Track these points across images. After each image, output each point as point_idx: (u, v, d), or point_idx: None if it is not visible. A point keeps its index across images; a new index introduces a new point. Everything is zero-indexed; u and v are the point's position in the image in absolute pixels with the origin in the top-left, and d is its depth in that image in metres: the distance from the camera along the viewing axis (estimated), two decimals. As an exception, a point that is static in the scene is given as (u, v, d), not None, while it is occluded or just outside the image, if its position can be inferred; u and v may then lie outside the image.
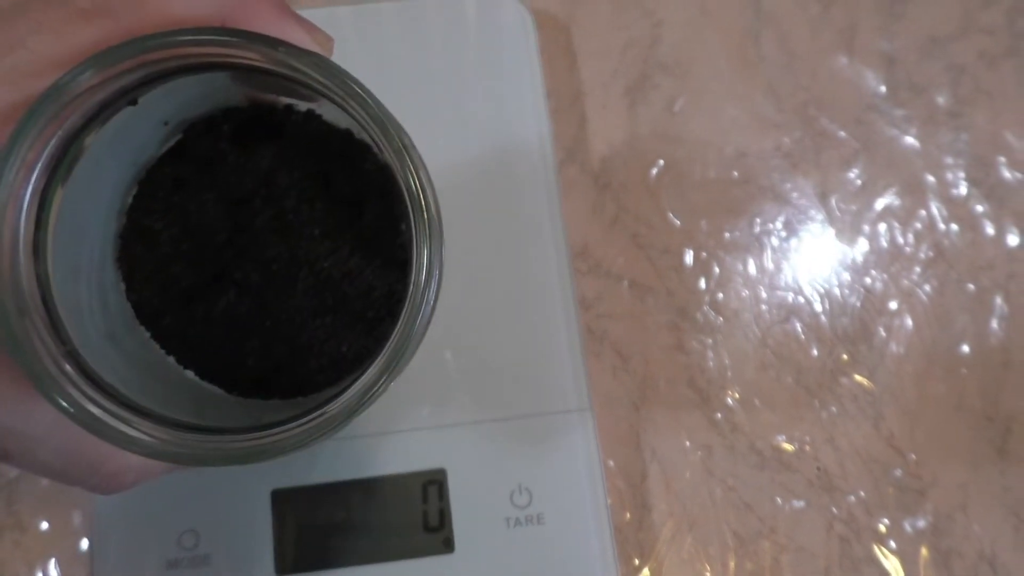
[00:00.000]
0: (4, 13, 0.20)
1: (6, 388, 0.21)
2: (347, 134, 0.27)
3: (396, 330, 0.21)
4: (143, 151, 0.26)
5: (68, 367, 0.21)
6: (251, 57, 0.21)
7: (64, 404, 0.20)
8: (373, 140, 0.22)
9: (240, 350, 0.25)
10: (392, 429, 0.36)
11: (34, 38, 0.20)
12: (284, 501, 0.35)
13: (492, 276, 0.39)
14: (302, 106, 0.27)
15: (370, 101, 0.21)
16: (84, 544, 0.36)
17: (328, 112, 0.27)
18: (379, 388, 0.21)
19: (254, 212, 0.25)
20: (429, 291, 0.21)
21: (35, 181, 0.21)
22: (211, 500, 0.35)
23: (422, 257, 0.21)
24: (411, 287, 0.21)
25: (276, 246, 0.25)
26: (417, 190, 0.21)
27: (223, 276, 0.25)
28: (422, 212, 0.21)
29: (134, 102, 0.23)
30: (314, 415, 0.21)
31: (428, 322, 0.22)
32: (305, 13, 0.43)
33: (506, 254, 0.39)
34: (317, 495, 0.35)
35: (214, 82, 0.25)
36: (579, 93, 0.44)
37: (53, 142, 0.21)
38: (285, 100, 0.27)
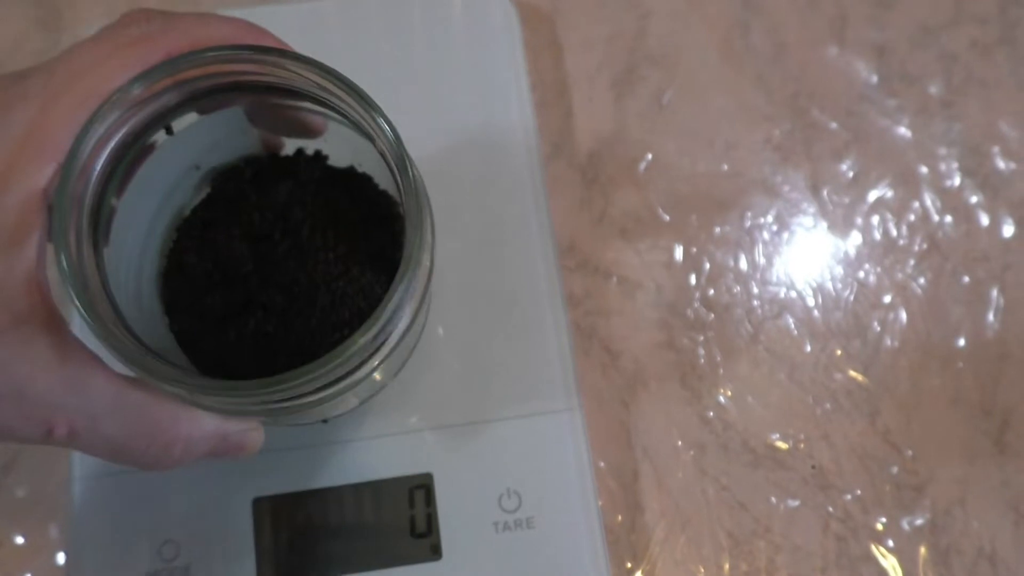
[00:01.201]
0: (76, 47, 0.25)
1: (69, 370, 0.23)
2: (350, 170, 0.32)
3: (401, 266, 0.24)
4: (179, 191, 0.31)
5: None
6: (266, 70, 0.25)
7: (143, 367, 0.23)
8: (368, 134, 0.26)
9: (269, 364, 0.27)
10: (377, 433, 0.35)
11: (96, 68, 0.24)
12: (266, 509, 0.34)
13: (478, 275, 0.38)
14: (310, 149, 0.31)
15: (358, 91, 0.25)
16: (60, 558, 0.35)
17: (333, 152, 0.31)
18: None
19: (275, 244, 0.29)
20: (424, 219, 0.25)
21: (96, 177, 0.24)
22: (191, 509, 0.34)
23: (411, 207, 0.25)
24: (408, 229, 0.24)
25: (295, 271, 0.29)
26: (398, 153, 0.25)
27: (251, 301, 0.29)
28: (405, 168, 0.25)
29: (169, 130, 0.27)
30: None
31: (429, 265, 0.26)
32: (290, 7, 0.42)
33: (492, 252, 0.38)
34: (300, 502, 0.34)
35: (236, 124, 0.30)
36: (565, 86, 0.44)
37: (111, 147, 0.24)
38: (297, 143, 0.31)
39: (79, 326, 0.24)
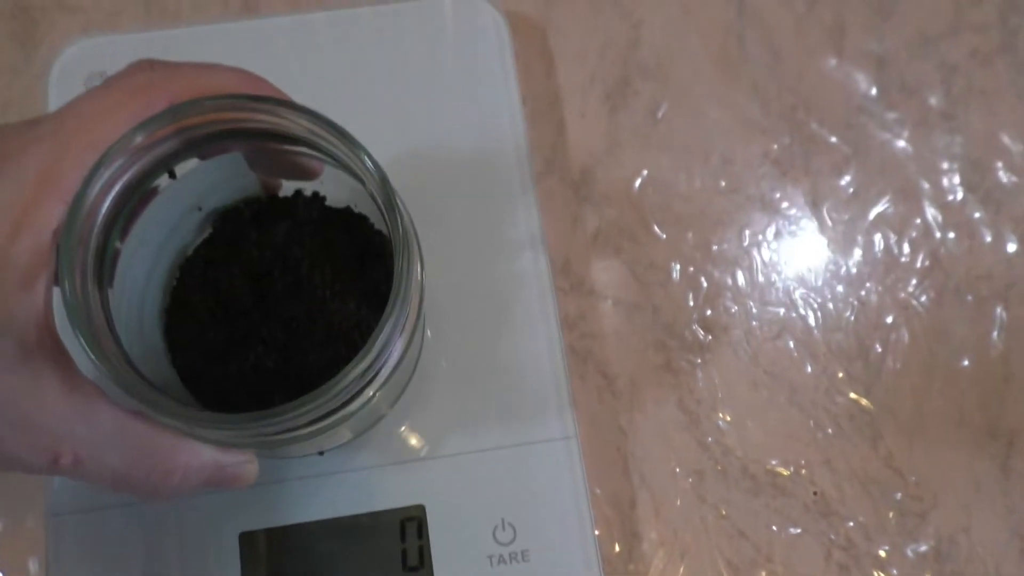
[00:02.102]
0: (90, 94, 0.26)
1: (75, 402, 0.24)
2: (347, 210, 0.33)
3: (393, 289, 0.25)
4: (181, 231, 0.32)
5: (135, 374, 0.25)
6: (262, 118, 0.26)
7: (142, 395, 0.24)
8: (355, 173, 0.27)
9: (268, 398, 0.29)
10: (367, 464, 0.34)
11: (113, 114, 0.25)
12: (253, 544, 0.33)
13: (469, 298, 0.37)
14: (308, 190, 0.33)
15: (347, 136, 0.26)
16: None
17: (330, 193, 0.33)
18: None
19: (274, 281, 0.30)
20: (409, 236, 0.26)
21: (103, 214, 0.25)
22: (175, 544, 0.33)
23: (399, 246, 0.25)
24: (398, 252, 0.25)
25: (294, 308, 0.30)
26: (385, 194, 0.25)
27: (250, 337, 0.30)
28: (392, 208, 0.25)
29: (172, 174, 0.28)
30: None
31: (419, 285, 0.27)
32: (281, 19, 0.41)
33: (483, 274, 0.37)
34: (288, 536, 0.33)
35: (236, 168, 0.31)
36: (556, 99, 0.42)
37: (116, 189, 0.25)
38: (295, 185, 0.32)
39: (82, 361, 0.24)
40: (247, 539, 0.33)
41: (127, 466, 0.25)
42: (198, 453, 0.27)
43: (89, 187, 0.24)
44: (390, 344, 0.25)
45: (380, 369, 0.26)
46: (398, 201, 0.26)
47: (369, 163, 0.26)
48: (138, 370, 0.26)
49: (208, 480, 0.27)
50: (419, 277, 0.28)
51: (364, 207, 0.33)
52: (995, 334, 0.39)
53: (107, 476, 0.25)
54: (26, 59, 0.42)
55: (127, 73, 0.27)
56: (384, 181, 0.26)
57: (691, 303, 0.39)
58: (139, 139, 0.25)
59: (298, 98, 0.27)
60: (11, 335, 0.23)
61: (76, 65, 0.40)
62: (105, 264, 0.26)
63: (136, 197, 0.27)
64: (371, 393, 0.27)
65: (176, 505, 0.33)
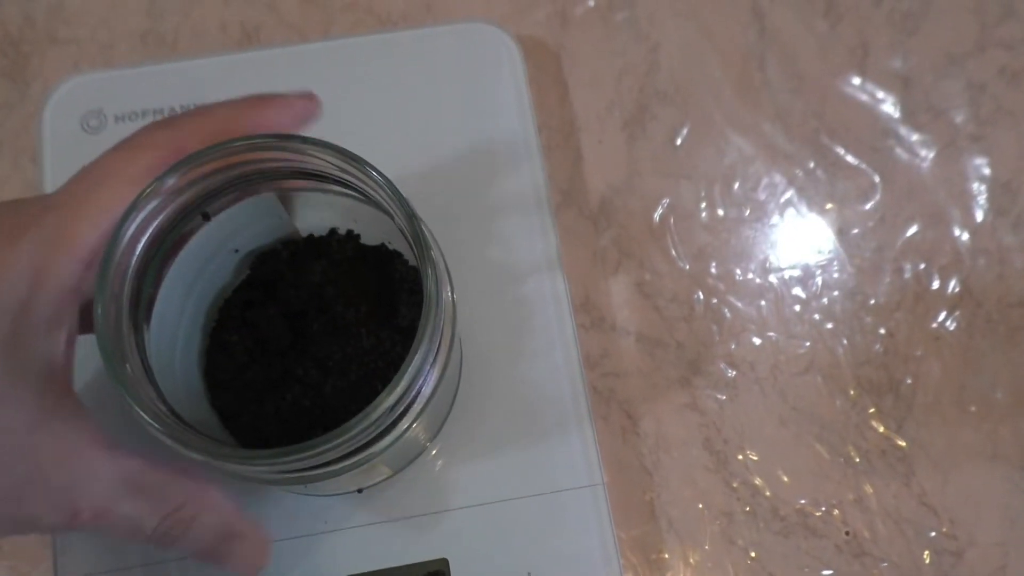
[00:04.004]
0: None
1: (93, 456, 0.25)
2: (381, 247, 0.33)
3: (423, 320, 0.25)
4: (218, 273, 0.32)
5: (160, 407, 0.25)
6: (289, 157, 0.26)
7: (151, 422, 0.24)
8: (382, 207, 0.27)
9: (306, 436, 0.28)
10: (388, 518, 0.33)
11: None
12: (271, 605, 0.32)
13: (488, 338, 0.36)
14: (343, 228, 0.33)
15: (374, 171, 0.26)
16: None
17: (364, 231, 0.33)
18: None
19: (310, 320, 0.31)
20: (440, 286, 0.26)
21: (136, 259, 0.26)
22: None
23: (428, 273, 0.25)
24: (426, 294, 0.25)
25: (330, 346, 0.30)
26: (414, 230, 0.25)
27: (288, 376, 0.30)
28: (420, 241, 0.25)
29: (207, 216, 0.29)
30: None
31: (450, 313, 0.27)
32: (283, 50, 0.39)
33: (502, 313, 0.36)
34: (309, 596, 0.32)
35: (269, 208, 0.31)
36: (573, 127, 0.41)
37: (149, 233, 0.26)
38: (330, 223, 0.33)
39: (114, 403, 0.24)
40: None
41: (144, 514, 0.26)
42: (216, 504, 0.27)
43: (122, 231, 0.25)
44: (421, 374, 0.25)
45: (413, 401, 0.26)
46: (424, 228, 0.26)
47: (398, 201, 0.26)
48: (175, 411, 0.26)
49: (223, 537, 0.27)
50: (451, 305, 0.28)
51: (398, 244, 0.33)
52: (1029, 365, 0.38)
53: (124, 526, 0.25)
54: (19, 96, 0.41)
55: (139, 133, 0.27)
56: (412, 217, 0.26)
57: (716, 337, 0.38)
58: (169, 183, 0.25)
59: (305, 130, 0.27)
60: (33, 385, 0.24)
61: (71, 103, 0.39)
62: (140, 306, 0.27)
63: (170, 241, 0.28)
64: (405, 426, 0.26)
65: (189, 570, 0.33)
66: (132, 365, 0.25)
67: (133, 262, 0.26)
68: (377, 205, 0.27)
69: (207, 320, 0.33)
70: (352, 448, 0.25)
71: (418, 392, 0.26)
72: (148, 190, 0.25)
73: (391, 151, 0.38)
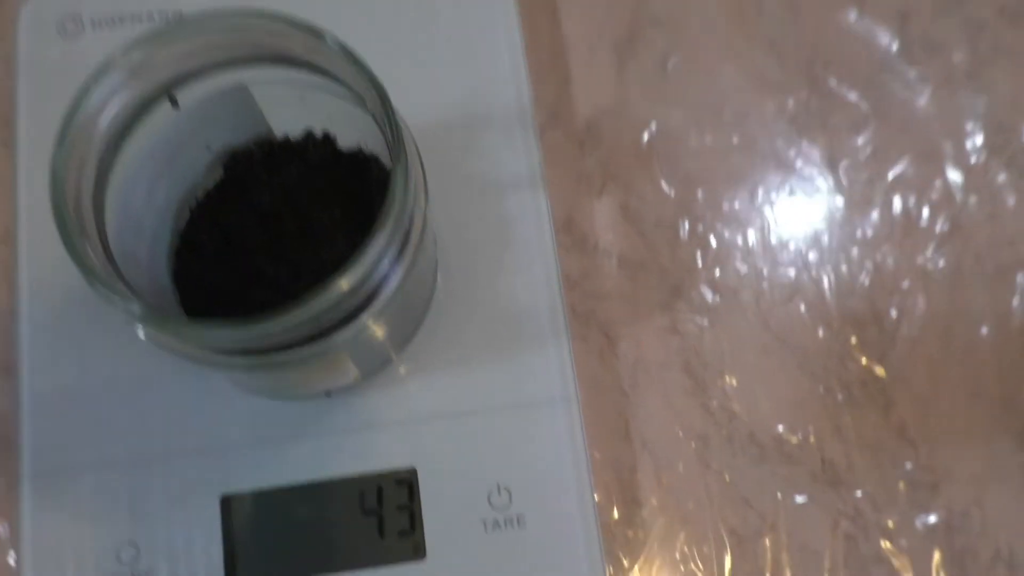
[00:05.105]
0: None
1: None
2: (357, 151, 0.32)
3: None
4: (190, 171, 0.32)
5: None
6: (262, 36, 0.26)
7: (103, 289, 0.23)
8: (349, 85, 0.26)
9: None
10: (357, 425, 0.33)
11: None
12: (235, 508, 0.32)
13: (466, 252, 0.35)
14: (319, 131, 0.32)
15: (334, 43, 0.25)
16: (11, 559, 0.33)
17: (341, 134, 0.32)
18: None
19: (283, 223, 0.30)
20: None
21: (98, 141, 0.25)
22: (153, 509, 0.31)
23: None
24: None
25: (303, 250, 0.30)
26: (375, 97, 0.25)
27: (260, 279, 0.30)
28: (382, 106, 0.25)
29: (174, 102, 0.28)
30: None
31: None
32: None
33: (482, 228, 0.36)
34: (272, 500, 0.32)
35: (243, 103, 0.30)
36: (562, 49, 0.40)
37: (113, 107, 0.26)
38: (304, 124, 0.32)
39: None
40: (229, 503, 0.32)
41: None
42: None
43: (87, 90, 0.24)
44: (383, 261, 0.25)
45: (375, 293, 0.25)
46: (394, 110, 0.26)
47: (355, 67, 0.25)
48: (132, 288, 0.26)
49: None
50: (423, 193, 0.27)
51: (375, 147, 0.32)
52: (1016, 302, 0.38)
53: None
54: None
55: None
56: (372, 79, 0.25)
57: (700, 263, 0.38)
58: (134, 56, 0.25)
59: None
60: None
61: (47, 6, 0.38)
62: (104, 188, 0.26)
63: (136, 122, 0.27)
64: (367, 320, 0.26)
65: (155, 467, 0.32)
66: (92, 245, 0.25)
67: (97, 133, 0.25)
68: (345, 84, 0.27)
69: (177, 219, 0.32)
70: (310, 330, 0.24)
71: (380, 283, 0.25)
72: (113, 60, 0.25)
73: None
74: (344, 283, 0.23)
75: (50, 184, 0.24)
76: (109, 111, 0.26)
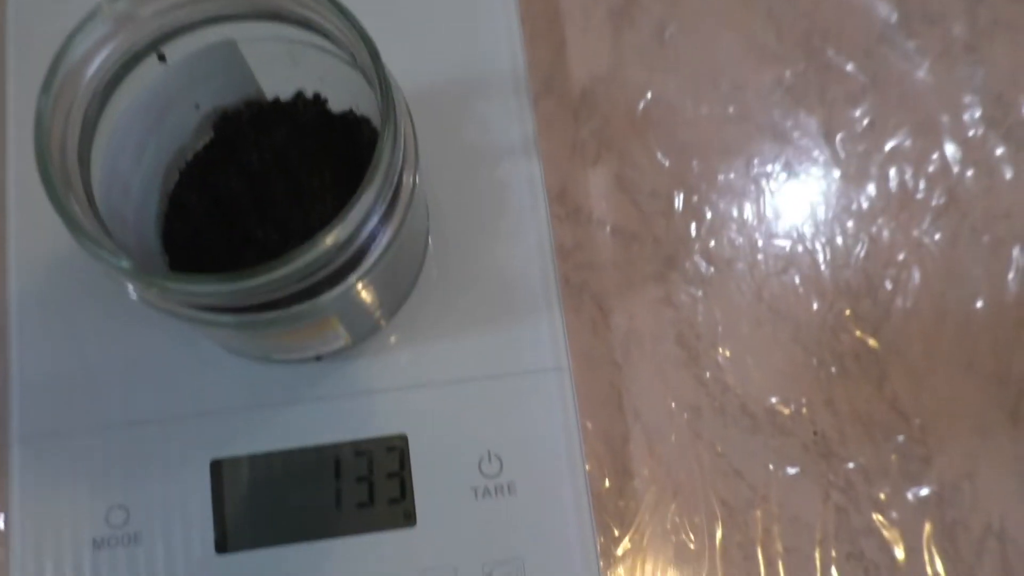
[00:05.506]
0: None
1: None
2: (348, 113, 0.32)
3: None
4: (179, 131, 0.31)
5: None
6: None
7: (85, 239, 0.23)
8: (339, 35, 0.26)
9: None
10: (346, 391, 0.33)
11: None
12: (225, 472, 0.31)
13: (458, 220, 0.35)
14: (309, 91, 0.32)
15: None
16: (0, 521, 0.33)
17: (332, 95, 0.32)
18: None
19: (272, 185, 0.30)
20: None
21: (84, 92, 0.25)
22: (142, 472, 0.31)
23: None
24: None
25: (292, 211, 0.29)
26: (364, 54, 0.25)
27: (248, 240, 0.29)
28: (371, 61, 0.25)
29: (162, 57, 0.28)
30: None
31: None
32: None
33: (474, 196, 0.35)
34: (262, 465, 0.32)
35: (231, 59, 0.30)
36: (557, 17, 0.40)
37: (100, 59, 0.25)
38: (295, 85, 0.32)
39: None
40: (219, 467, 0.32)
41: None
42: None
43: (74, 38, 0.24)
44: (371, 219, 0.24)
45: (363, 253, 0.25)
46: (381, 61, 0.25)
47: (345, 21, 0.25)
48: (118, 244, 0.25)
49: None
50: (414, 154, 0.27)
51: (366, 108, 0.31)
52: (1011, 276, 0.37)
53: None
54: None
55: None
56: (364, 36, 0.25)
57: (694, 234, 0.37)
58: (120, 7, 0.24)
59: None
60: None
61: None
62: (90, 142, 0.26)
63: (124, 76, 0.27)
64: (354, 280, 0.26)
65: (144, 431, 0.32)
66: (78, 199, 0.24)
67: (83, 83, 0.25)
68: (334, 40, 0.26)
69: (166, 182, 0.32)
70: (297, 288, 0.24)
71: (368, 243, 0.25)
72: (100, 8, 0.24)
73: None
74: (330, 239, 0.23)
75: (34, 131, 0.23)
76: (96, 61, 0.25)
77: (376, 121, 0.32)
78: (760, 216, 0.38)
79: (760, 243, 0.37)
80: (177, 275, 0.23)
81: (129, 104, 0.28)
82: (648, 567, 0.35)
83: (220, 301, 0.24)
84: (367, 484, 0.32)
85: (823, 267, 0.37)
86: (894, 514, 0.35)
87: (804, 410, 0.36)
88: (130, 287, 0.24)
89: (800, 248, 0.38)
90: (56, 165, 0.23)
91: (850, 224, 0.38)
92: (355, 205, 0.23)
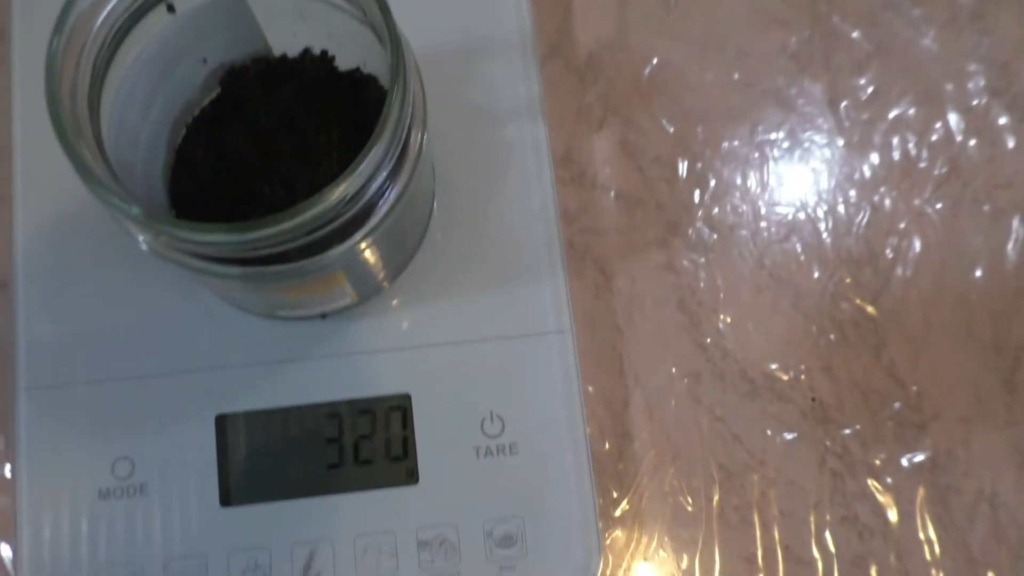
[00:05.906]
0: None
1: None
2: (355, 70, 0.32)
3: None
4: (187, 85, 0.31)
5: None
6: None
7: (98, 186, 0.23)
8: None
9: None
10: (351, 349, 0.33)
11: None
12: (230, 427, 0.32)
13: (465, 185, 0.35)
14: (316, 48, 0.32)
15: None
16: (7, 471, 0.33)
17: (339, 52, 0.32)
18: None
19: (279, 142, 0.30)
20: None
21: (95, 39, 0.25)
22: (148, 425, 0.31)
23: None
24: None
25: (298, 168, 0.29)
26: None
27: (254, 196, 0.29)
28: (391, 33, 0.24)
29: (171, 8, 0.28)
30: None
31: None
32: None
33: (480, 160, 0.35)
34: (267, 421, 0.32)
35: (239, 12, 0.30)
36: (566, -20, 0.40)
37: (109, 8, 0.25)
38: (303, 43, 0.31)
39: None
40: (224, 422, 0.32)
41: None
42: None
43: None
44: (378, 175, 0.24)
45: (370, 211, 0.25)
46: (390, 14, 0.25)
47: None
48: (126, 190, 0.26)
49: None
50: (420, 110, 0.27)
51: (373, 67, 0.31)
52: (1011, 246, 0.38)
53: None
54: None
55: None
56: None
57: (697, 200, 0.38)
58: None
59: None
60: None
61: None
62: (98, 88, 0.26)
63: (133, 25, 0.27)
64: (361, 236, 0.26)
65: (151, 384, 0.32)
66: (88, 146, 0.24)
67: (94, 29, 0.25)
68: None
69: (173, 135, 0.32)
70: (305, 243, 0.24)
71: (375, 199, 0.25)
72: None
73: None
74: (337, 192, 0.23)
75: (45, 74, 0.23)
76: (107, 7, 0.25)
77: (383, 80, 0.32)
78: (763, 183, 0.38)
79: (763, 210, 0.38)
80: (187, 223, 0.23)
81: (137, 55, 0.28)
82: (646, 528, 0.35)
83: (228, 252, 0.24)
84: (370, 442, 0.32)
85: (825, 235, 0.38)
86: (888, 479, 0.35)
87: (803, 376, 0.36)
88: (139, 236, 0.24)
89: (802, 216, 0.38)
90: (67, 110, 0.23)
91: (852, 192, 0.38)
92: (364, 159, 0.23)
